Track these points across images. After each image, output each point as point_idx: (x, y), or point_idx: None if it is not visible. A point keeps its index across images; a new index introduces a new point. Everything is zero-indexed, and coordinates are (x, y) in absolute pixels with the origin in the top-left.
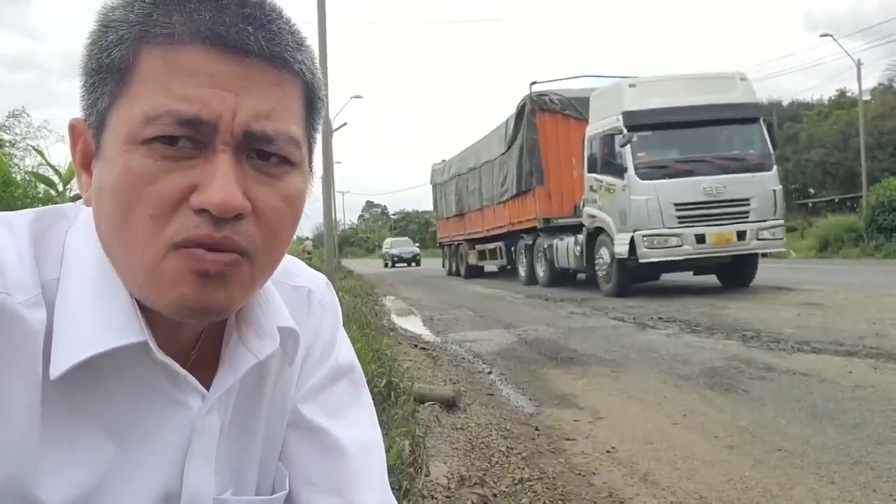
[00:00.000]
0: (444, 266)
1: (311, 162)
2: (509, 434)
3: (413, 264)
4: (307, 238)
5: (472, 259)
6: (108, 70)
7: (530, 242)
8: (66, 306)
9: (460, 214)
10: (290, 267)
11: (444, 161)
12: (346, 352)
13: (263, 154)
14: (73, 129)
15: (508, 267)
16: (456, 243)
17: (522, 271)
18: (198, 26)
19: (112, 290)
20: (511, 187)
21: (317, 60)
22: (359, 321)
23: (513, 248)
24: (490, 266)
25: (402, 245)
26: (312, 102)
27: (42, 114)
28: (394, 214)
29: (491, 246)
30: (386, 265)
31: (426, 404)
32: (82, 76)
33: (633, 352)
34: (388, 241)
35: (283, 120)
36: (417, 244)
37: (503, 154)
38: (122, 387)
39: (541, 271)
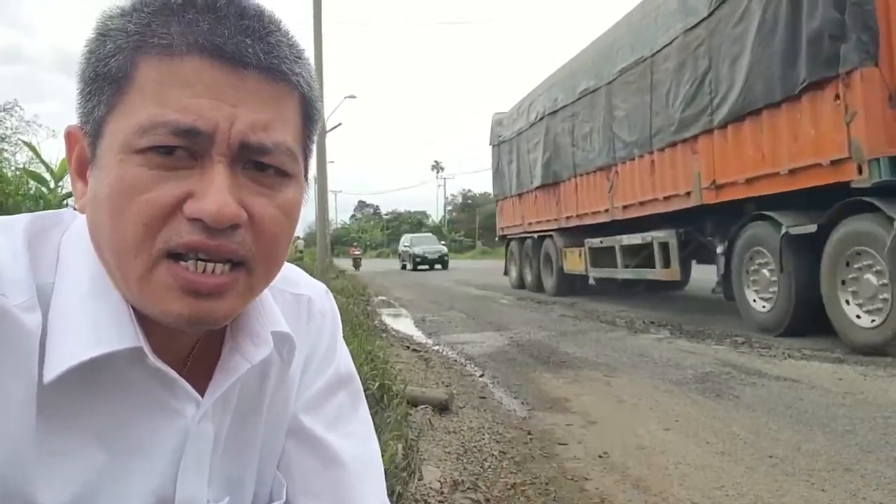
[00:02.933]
0: (506, 273)
1: (306, 173)
2: (502, 438)
3: (439, 266)
4: (298, 237)
5: (574, 263)
6: (105, 79)
7: (812, 231)
8: (60, 310)
9: (552, 184)
10: (290, 275)
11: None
12: (345, 361)
13: (260, 165)
14: (70, 136)
15: (681, 281)
16: (537, 236)
17: (762, 304)
18: (196, 37)
19: (107, 295)
20: (728, 97)
21: (314, 73)
22: (351, 322)
23: (725, 248)
24: (596, 275)
25: (425, 243)
26: (309, 115)
27: (32, 108)
28: (386, 214)
29: (631, 240)
30: (404, 266)
31: (419, 407)
32: (79, 84)
33: (624, 356)
34: (407, 237)
35: (279, 131)
36: (443, 243)
37: (698, 25)
38: (116, 392)
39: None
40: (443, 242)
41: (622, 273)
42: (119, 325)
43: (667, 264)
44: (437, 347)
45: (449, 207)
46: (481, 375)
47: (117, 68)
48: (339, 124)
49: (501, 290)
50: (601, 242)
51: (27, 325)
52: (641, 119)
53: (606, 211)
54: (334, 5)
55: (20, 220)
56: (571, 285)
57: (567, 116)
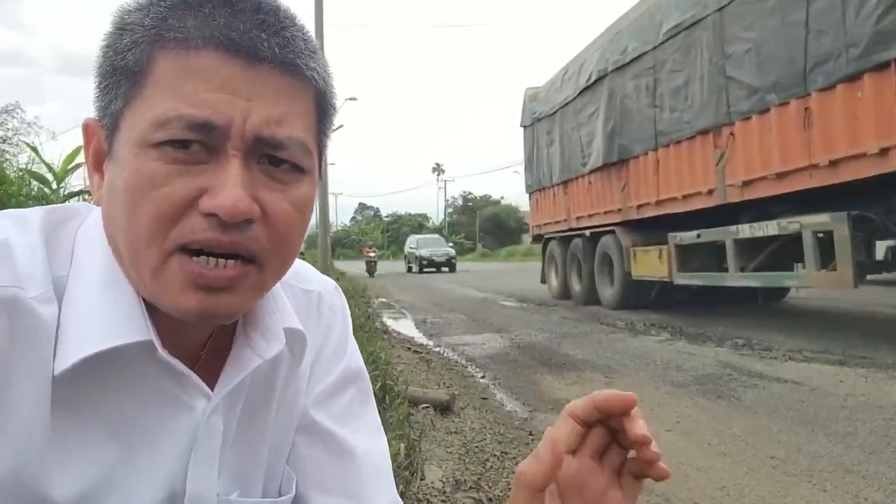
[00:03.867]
0: (544, 280)
1: (320, 169)
2: (503, 438)
3: (446, 269)
4: None
5: (649, 266)
6: (121, 73)
7: None
8: (73, 303)
9: (616, 163)
10: (301, 270)
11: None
12: (355, 358)
13: (274, 160)
14: (87, 128)
15: None
16: (590, 233)
17: None
18: (212, 31)
19: (120, 288)
20: None
21: (329, 69)
22: (352, 323)
23: None
24: (688, 282)
25: (432, 245)
26: (324, 110)
27: (33, 109)
28: (386, 217)
29: (758, 230)
30: (409, 269)
31: (420, 407)
32: (96, 77)
33: (626, 358)
34: (413, 238)
35: (294, 126)
36: (451, 244)
37: None
38: (127, 386)
39: None
40: (450, 244)
41: (737, 279)
42: (130, 319)
43: (826, 264)
44: (438, 349)
45: (449, 210)
46: (482, 377)
47: (134, 62)
48: (341, 126)
49: (502, 293)
50: (698, 237)
51: (43, 317)
52: (786, 49)
53: (710, 192)
54: (335, 7)
55: (36, 213)
56: (641, 295)
57: (644, 69)
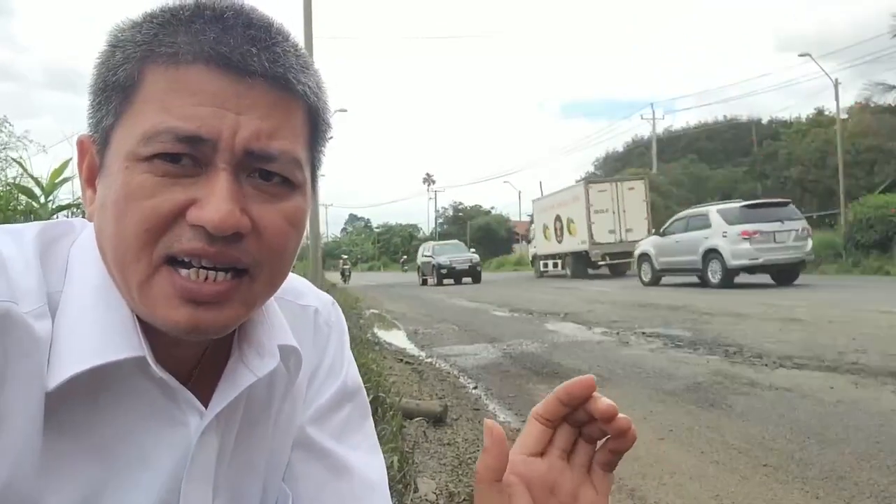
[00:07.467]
0: None
1: (314, 184)
2: None
3: (469, 279)
4: None
5: None
6: (113, 88)
7: None
8: (66, 319)
9: None
10: (298, 286)
11: None
12: (353, 373)
13: (265, 174)
14: (81, 144)
15: None
16: None
17: None
18: (202, 46)
19: (112, 304)
20: None
21: (323, 84)
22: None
23: None
24: None
25: (450, 251)
26: (316, 124)
27: (25, 123)
28: (377, 227)
29: None
30: (424, 282)
31: (413, 419)
32: (90, 94)
33: (618, 367)
34: (427, 245)
35: (284, 140)
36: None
37: None
38: (120, 402)
39: None
40: (472, 249)
41: None
42: (123, 335)
43: None
44: (430, 360)
45: (440, 220)
46: (475, 387)
47: (125, 77)
48: (331, 137)
49: (494, 303)
50: None
51: (38, 332)
52: None
53: None
54: (324, 15)
55: (31, 228)
56: None
57: None
